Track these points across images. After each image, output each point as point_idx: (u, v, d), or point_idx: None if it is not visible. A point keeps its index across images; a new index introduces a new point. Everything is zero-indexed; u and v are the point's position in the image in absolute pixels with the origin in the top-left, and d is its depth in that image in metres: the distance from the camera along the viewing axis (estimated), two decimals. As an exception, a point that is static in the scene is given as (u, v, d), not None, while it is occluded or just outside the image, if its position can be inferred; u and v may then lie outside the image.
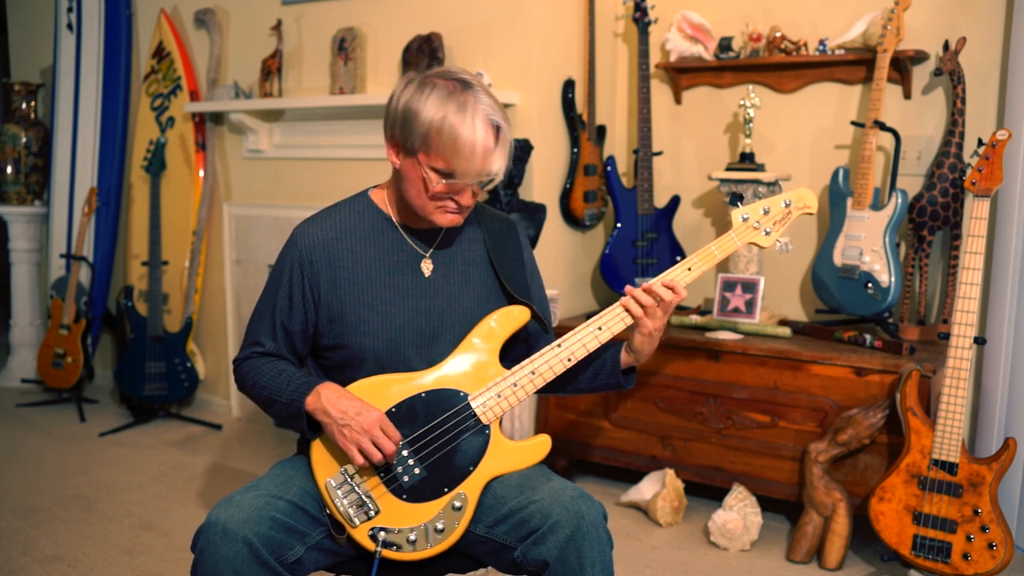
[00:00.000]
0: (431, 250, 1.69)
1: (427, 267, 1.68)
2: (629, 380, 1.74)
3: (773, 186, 3.04)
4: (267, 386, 1.62)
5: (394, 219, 1.69)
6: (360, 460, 1.54)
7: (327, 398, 1.56)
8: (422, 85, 1.55)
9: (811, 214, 1.72)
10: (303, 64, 3.71)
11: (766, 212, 1.68)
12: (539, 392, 1.70)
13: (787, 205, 1.69)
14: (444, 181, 1.55)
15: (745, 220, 1.68)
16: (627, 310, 1.63)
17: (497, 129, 1.55)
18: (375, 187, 1.74)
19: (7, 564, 2.60)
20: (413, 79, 1.58)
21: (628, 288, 1.64)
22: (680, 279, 1.63)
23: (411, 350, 1.64)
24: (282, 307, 1.65)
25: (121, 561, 2.63)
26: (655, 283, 1.62)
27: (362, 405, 1.55)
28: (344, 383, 1.62)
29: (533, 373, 1.62)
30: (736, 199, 1.71)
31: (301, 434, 1.66)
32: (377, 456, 1.53)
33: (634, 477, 3.19)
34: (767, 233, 1.68)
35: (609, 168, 3.33)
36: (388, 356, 1.63)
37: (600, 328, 1.64)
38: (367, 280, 1.65)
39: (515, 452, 1.63)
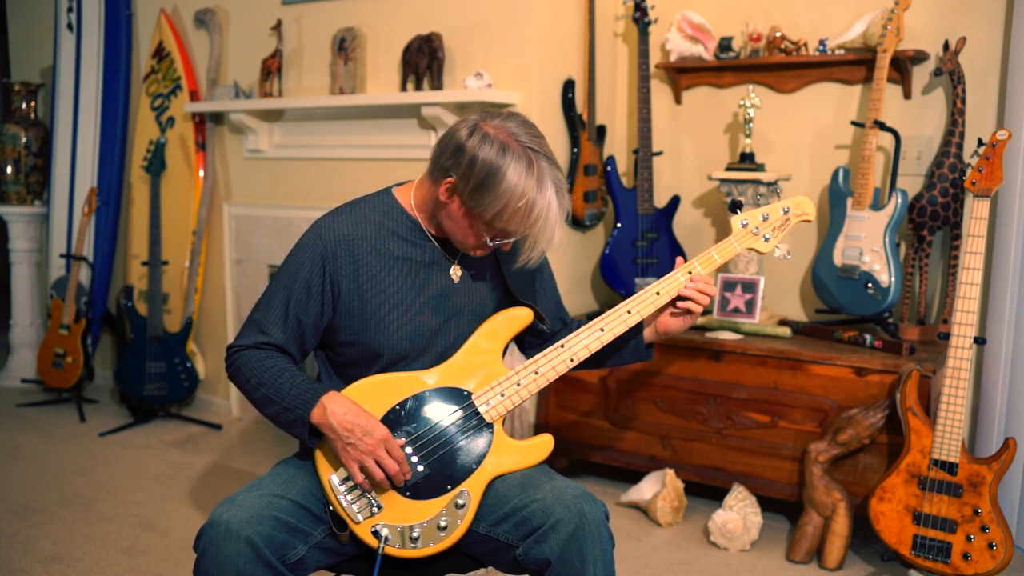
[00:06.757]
0: (458, 255, 1.69)
1: (455, 272, 1.68)
2: (650, 353, 1.82)
3: (773, 186, 3.04)
4: (266, 384, 1.59)
5: (421, 223, 1.67)
6: (360, 478, 1.55)
7: (332, 413, 1.54)
8: (504, 149, 1.50)
9: (809, 222, 1.74)
10: (303, 64, 3.71)
11: (765, 218, 1.71)
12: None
13: (785, 212, 1.72)
14: (498, 240, 1.57)
15: (745, 226, 1.71)
16: (692, 301, 1.68)
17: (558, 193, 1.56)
18: (399, 185, 1.72)
19: (7, 564, 2.59)
20: (489, 137, 1.51)
21: (689, 284, 1.68)
22: (684, 280, 1.67)
23: (428, 350, 1.65)
24: (299, 297, 1.62)
25: (121, 561, 2.63)
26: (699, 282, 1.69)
27: (368, 422, 1.55)
28: (355, 380, 1.62)
29: (536, 373, 1.64)
30: (735, 206, 1.74)
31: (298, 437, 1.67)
32: (379, 475, 1.54)
33: (634, 477, 3.20)
34: (766, 239, 1.71)
35: (609, 168, 3.33)
36: (405, 355, 1.64)
37: (603, 330, 1.66)
38: (389, 279, 1.64)
39: (518, 451, 1.63)
